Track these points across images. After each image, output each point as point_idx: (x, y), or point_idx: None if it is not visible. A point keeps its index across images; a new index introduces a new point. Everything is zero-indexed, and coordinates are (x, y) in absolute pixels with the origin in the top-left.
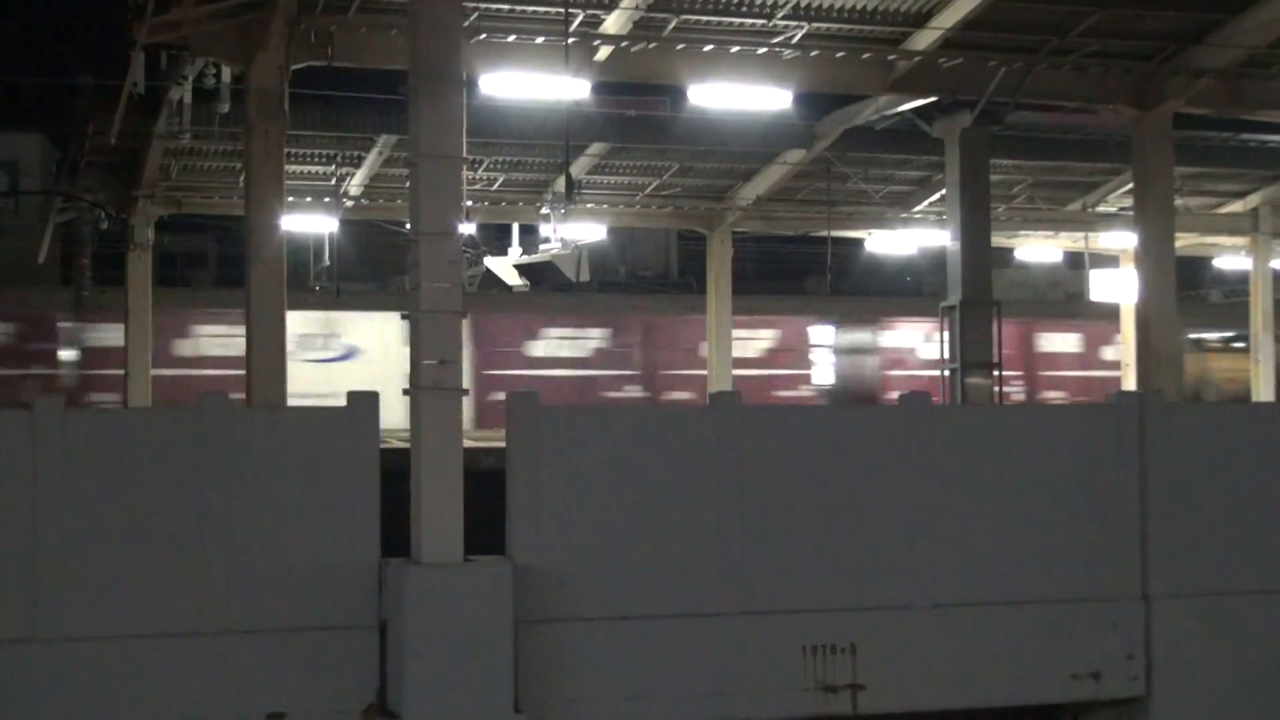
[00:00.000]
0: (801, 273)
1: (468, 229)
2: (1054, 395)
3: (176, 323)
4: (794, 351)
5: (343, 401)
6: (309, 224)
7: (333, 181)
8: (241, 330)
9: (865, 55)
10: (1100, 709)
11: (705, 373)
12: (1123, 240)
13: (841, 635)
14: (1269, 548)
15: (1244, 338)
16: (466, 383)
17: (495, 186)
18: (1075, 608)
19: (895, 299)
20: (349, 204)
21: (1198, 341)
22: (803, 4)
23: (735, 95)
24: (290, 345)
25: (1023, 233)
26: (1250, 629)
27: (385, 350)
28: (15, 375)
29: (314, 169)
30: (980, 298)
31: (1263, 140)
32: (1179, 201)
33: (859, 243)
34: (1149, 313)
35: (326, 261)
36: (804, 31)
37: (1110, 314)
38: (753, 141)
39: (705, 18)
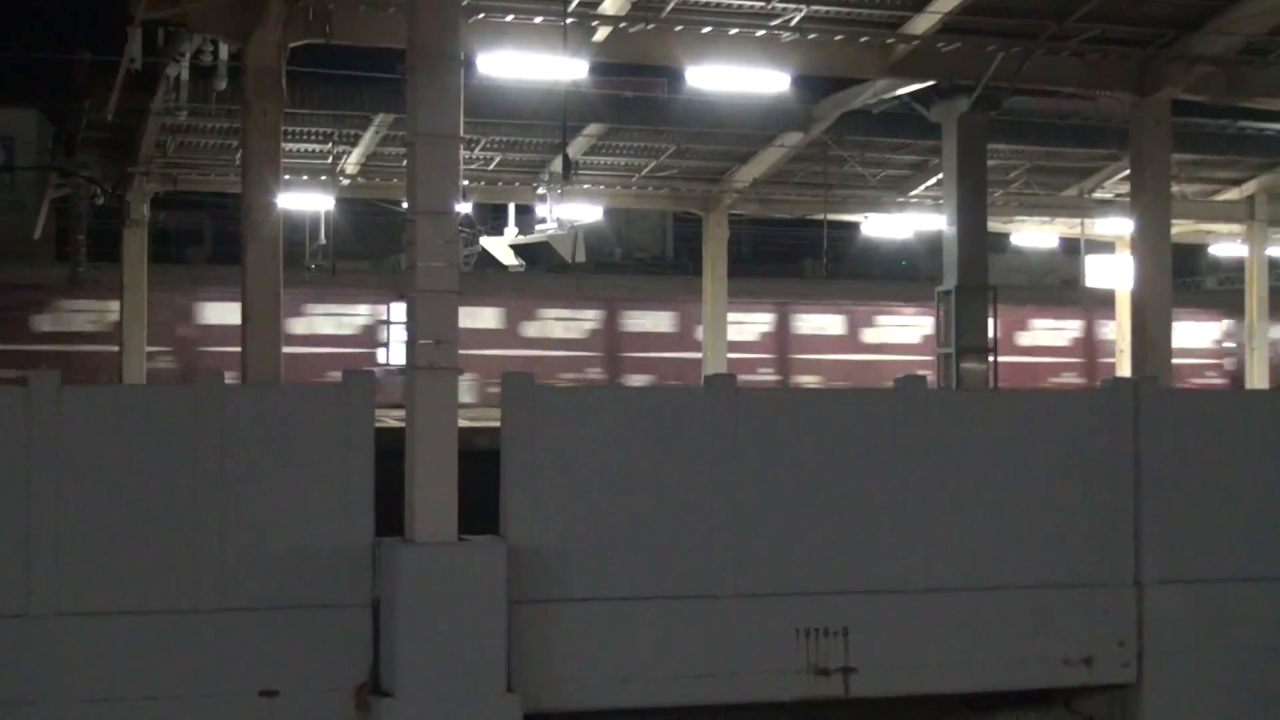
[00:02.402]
0: (797, 255)
1: (464, 208)
2: None
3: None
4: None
5: None
6: (305, 202)
7: (329, 160)
8: None
9: (864, 38)
10: (1092, 694)
11: None
12: (1119, 226)
13: (834, 618)
14: (1261, 534)
15: None
16: None
17: (492, 166)
18: (1068, 593)
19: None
20: (345, 182)
21: None
22: None
23: (733, 77)
24: None
25: (1019, 218)
26: (1242, 615)
27: None
28: None
29: (311, 147)
30: (976, 282)
31: (1260, 128)
32: (1175, 188)
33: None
34: (1144, 299)
35: (322, 240)
36: (802, 14)
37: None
38: (750, 124)
39: None
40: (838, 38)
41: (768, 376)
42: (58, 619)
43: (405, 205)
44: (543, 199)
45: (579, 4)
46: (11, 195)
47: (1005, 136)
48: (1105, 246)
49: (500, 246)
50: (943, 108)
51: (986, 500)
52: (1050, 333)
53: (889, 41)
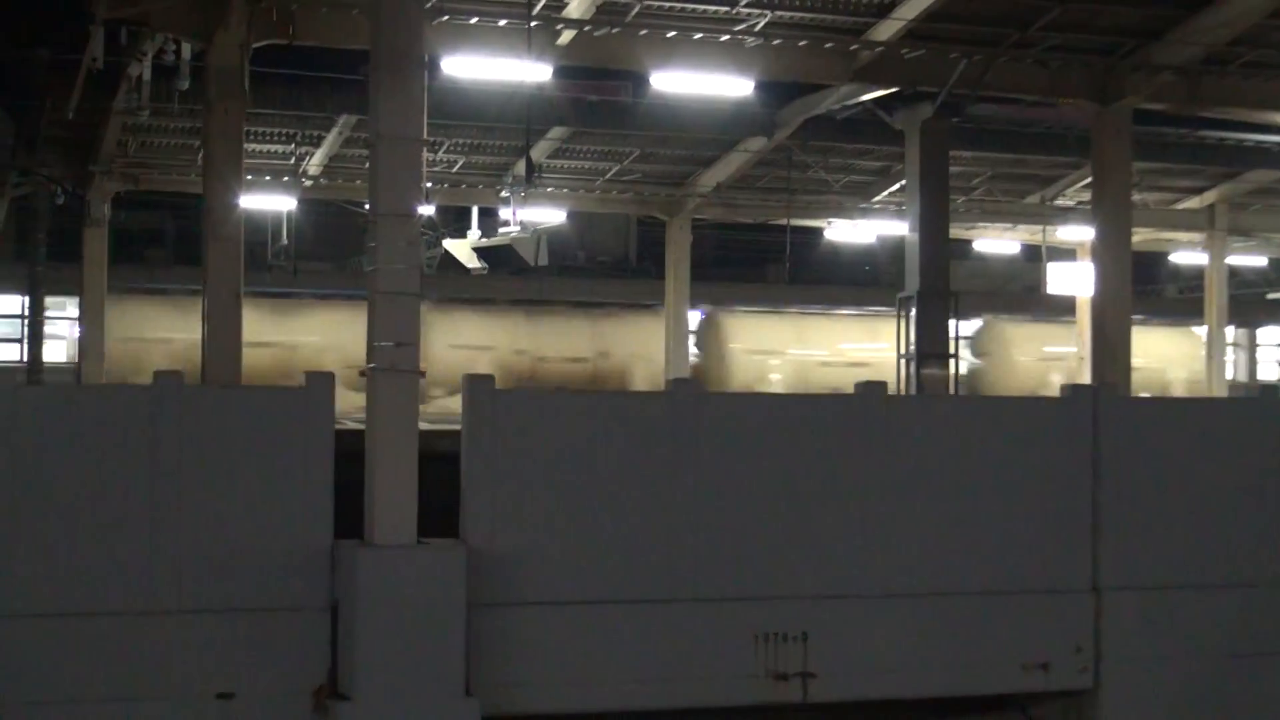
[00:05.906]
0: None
1: (427, 211)
2: None
3: None
4: None
5: None
6: (267, 203)
7: (292, 161)
8: None
9: (828, 45)
10: (1049, 700)
11: None
12: (1080, 234)
13: (793, 623)
14: (1219, 542)
15: None
16: None
17: (455, 169)
18: (1025, 599)
19: None
20: (308, 183)
21: None
22: None
23: (697, 82)
24: None
25: (981, 224)
26: (1199, 623)
27: None
28: None
29: (273, 148)
30: (938, 288)
31: (1220, 137)
32: (1136, 196)
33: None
34: (1105, 306)
35: (284, 241)
36: (767, 20)
37: None
38: (714, 129)
39: (668, 3)
40: (802, 43)
41: None
42: (11, 620)
43: (368, 207)
44: (506, 202)
45: (543, 7)
46: None
47: (968, 143)
48: (1067, 253)
49: (463, 249)
50: (906, 114)
51: (945, 506)
52: None
53: (853, 48)
